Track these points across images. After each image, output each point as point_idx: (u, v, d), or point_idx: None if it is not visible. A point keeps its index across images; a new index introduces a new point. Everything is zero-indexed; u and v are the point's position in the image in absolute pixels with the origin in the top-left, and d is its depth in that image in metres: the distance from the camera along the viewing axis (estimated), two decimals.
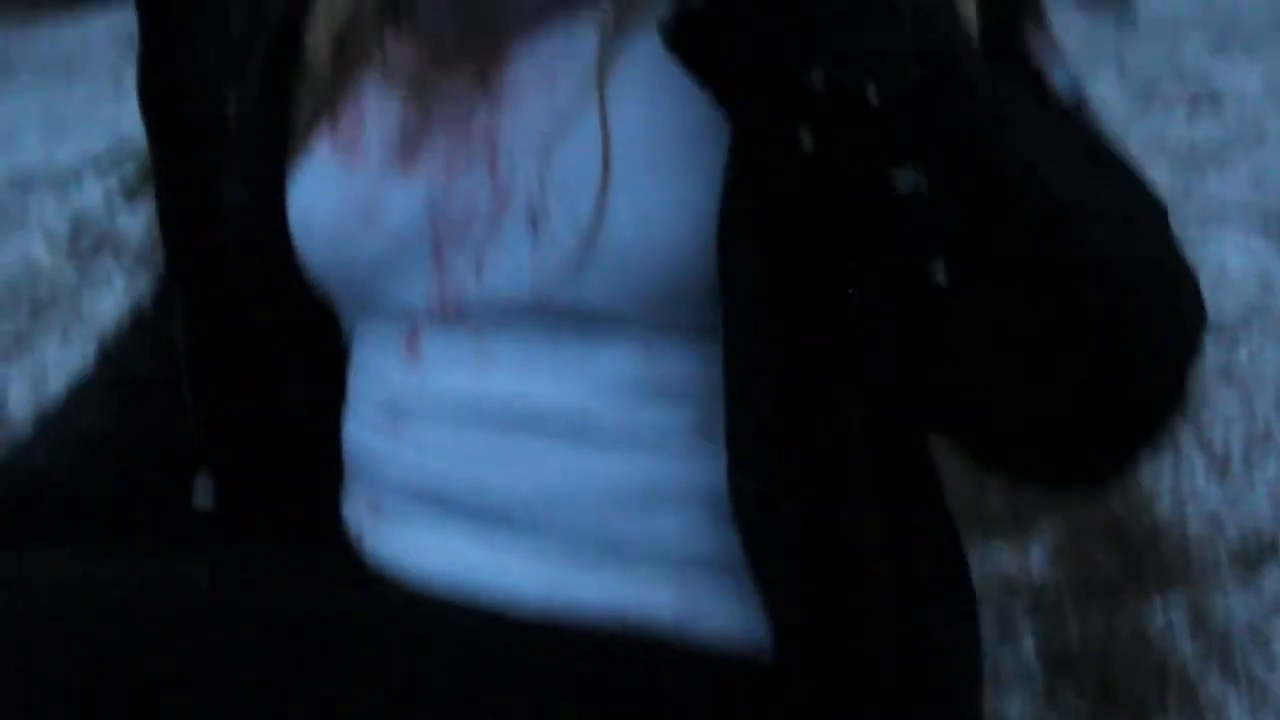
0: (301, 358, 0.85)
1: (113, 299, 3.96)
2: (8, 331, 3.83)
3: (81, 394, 0.95)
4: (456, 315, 0.75)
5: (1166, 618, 1.83)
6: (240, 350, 0.85)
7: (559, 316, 0.72)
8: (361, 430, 0.82)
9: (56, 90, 7.20)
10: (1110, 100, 3.71)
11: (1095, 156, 0.70)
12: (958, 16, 0.65)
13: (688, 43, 0.61)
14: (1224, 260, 2.83)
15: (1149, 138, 3.42)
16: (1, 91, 7.32)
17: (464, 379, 0.75)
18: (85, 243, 4.45)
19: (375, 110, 0.76)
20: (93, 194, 4.89)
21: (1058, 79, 0.71)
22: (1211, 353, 2.45)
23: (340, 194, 0.77)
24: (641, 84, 0.70)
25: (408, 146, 0.75)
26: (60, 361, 3.59)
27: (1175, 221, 0.72)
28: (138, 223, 4.56)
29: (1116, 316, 0.64)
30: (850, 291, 0.65)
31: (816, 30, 0.59)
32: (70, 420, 0.93)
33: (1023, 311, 0.63)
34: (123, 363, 0.97)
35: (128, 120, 5.85)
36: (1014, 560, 1.98)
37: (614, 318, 0.71)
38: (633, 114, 0.70)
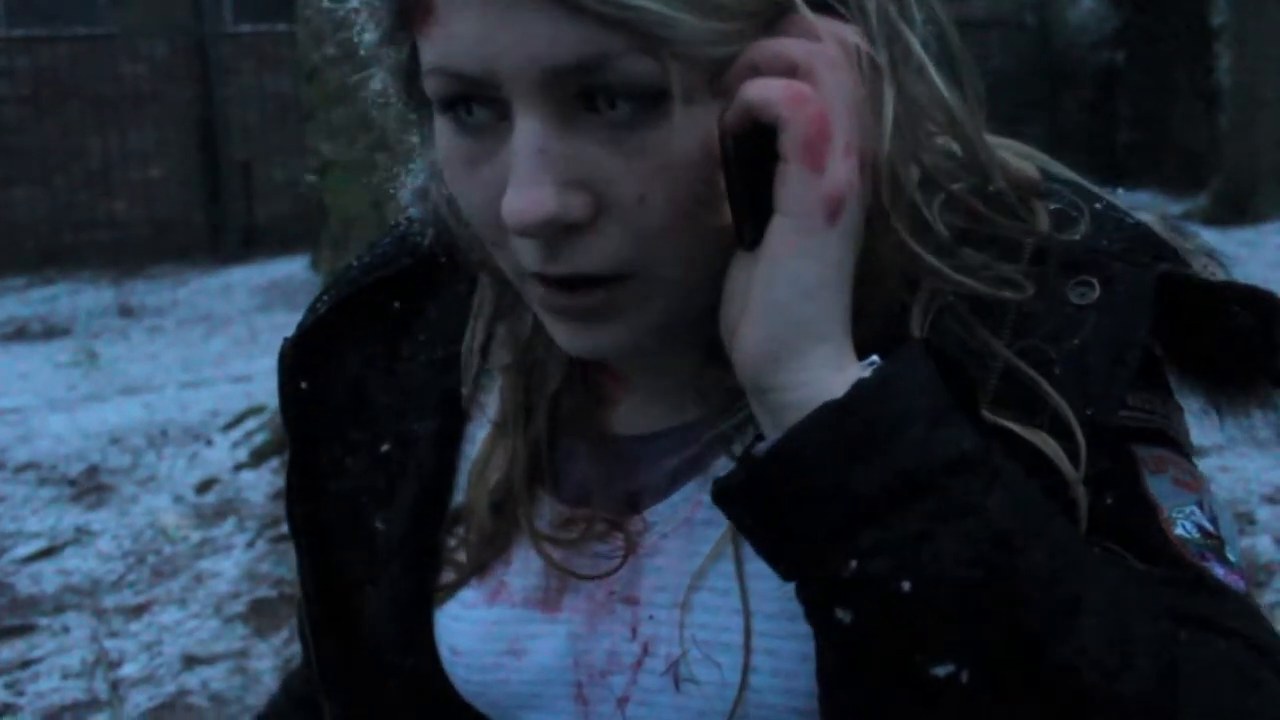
0: None
1: (231, 563, 4.07)
2: (128, 598, 3.92)
3: None
4: None
5: None
6: None
7: None
8: None
9: (195, 342, 7.61)
10: None
11: (1208, 628, 0.64)
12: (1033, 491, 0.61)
13: (734, 507, 0.62)
14: None
15: None
16: (148, 342, 7.75)
17: None
18: (209, 506, 4.62)
19: (520, 560, 0.78)
20: (221, 454, 5.09)
21: (1185, 520, 0.68)
22: None
23: (486, 627, 0.78)
24: None
25: (550, 595, 0.77)
26: (176, 626, 3.67)
27: None
28: (262, 486, 4.72)
29: None
30: None
31: (854, 517, 0.58)
32: None
33: None
34: None
35: (259, 379, 6.09)
36: None
37: None
38: (767, 571, 0.67)
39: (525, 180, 0.61)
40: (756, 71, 0.61)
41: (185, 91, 10.42)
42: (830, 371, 0.60)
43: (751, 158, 0.61)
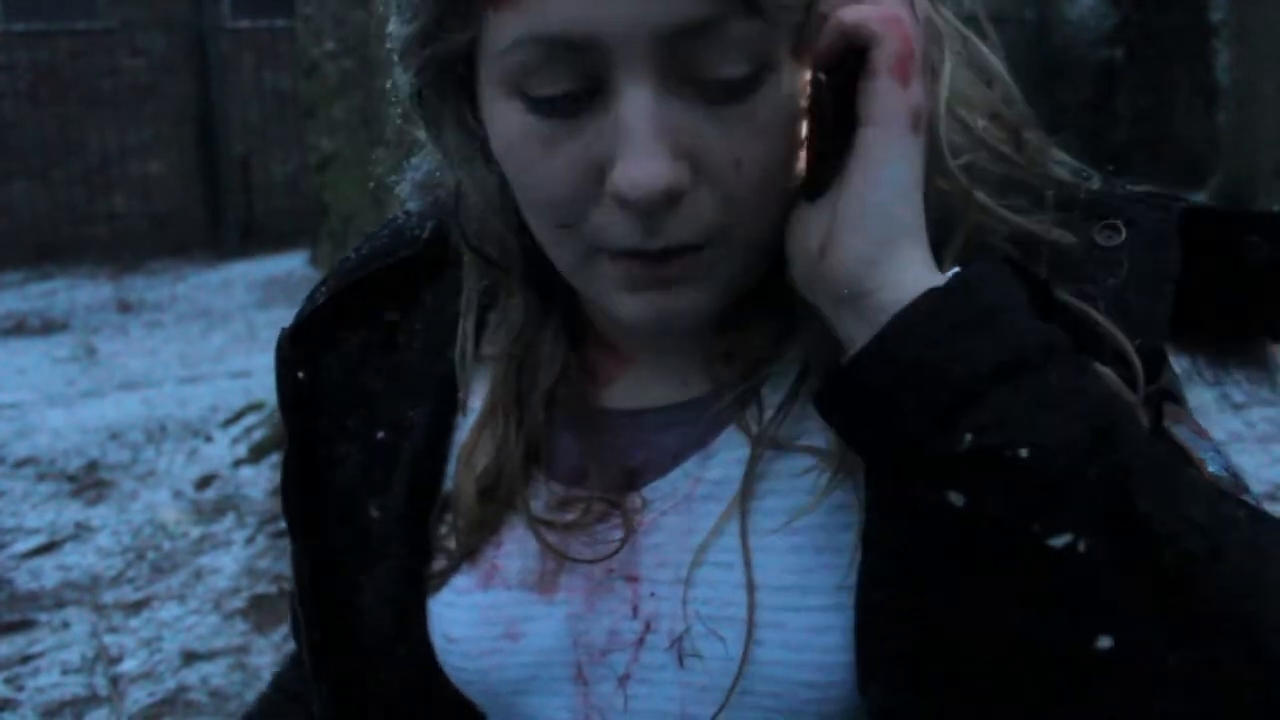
0: None
1: (230, 559, 4.07)
2: (127, 594, 3.92)
3: None
4: None
5: None
6: None
7: None
8: None
9: (194, 338, 7.61)
10: None
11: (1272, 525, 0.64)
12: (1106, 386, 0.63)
13: (842, 400, 0.63)
14: None
15: None
16: (147, 337, 7.74)
17: None
18: (209, 502, 4.62)
19: (515, 544, 0.78)
20: (220, 449, 5.09)
21: (1212, 462, 0.68)
22: None
23: (481, 612, 0.78)
24: (781, 512, 0.70)
25: (546, 576, 0.77)
26: (175, 621, 3.67)
27: None
28: (261, 482, 4.72)
29: None
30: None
31: (966, 391, 0.58)
32: None
33: (1195, 685, 0.58)
34: None
35: (258, 375, 6.09)
36: None
37: None
38: (773, 545, 0.71)
39: (641, 151, 0.61)
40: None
41: (184, 86, 10.41)
42: (926, 270, 0.62)
43: (837, 94, 0.64)
